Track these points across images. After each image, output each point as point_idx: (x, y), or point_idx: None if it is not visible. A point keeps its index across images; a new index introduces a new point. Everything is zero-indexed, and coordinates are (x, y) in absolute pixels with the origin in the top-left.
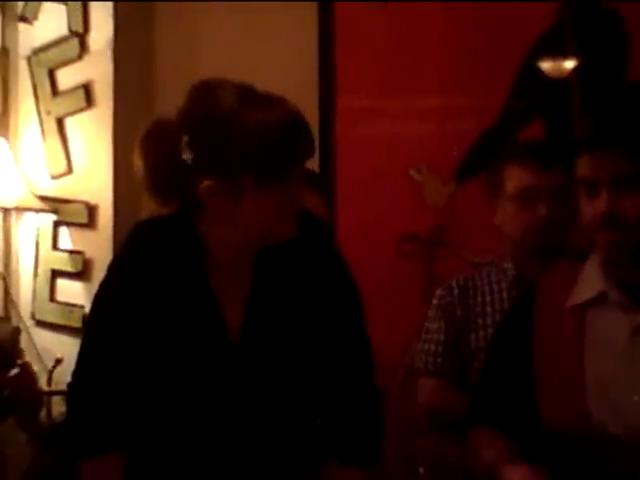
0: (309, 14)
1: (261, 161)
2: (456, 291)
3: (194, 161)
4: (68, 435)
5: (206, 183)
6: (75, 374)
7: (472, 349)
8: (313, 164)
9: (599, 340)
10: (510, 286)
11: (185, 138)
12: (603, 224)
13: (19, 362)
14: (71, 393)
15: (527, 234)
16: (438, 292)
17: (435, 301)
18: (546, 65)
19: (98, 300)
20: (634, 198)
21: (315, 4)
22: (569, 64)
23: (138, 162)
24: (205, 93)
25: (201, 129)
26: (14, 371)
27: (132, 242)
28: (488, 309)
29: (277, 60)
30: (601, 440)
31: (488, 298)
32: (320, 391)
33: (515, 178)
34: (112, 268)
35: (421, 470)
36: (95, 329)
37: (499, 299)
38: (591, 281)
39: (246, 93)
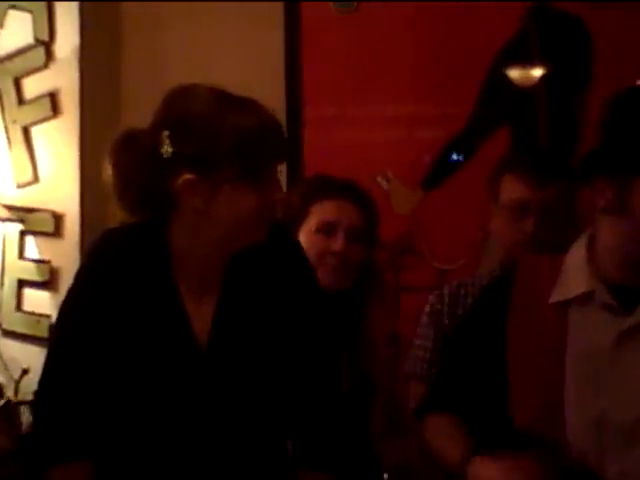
0: (275, 22)
1: (238, 158)
2: (446, 299)
3: (174, 154)
4: (35, 444)
5: (185, 177)
6: (41, 383)
7: None
8: (280, 173)
9: (582, 343)
10: None
11: (165, 132)
12: None
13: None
14: (38, 402)
15: (513, 247)
16: (430, 298)
17: (426, 308)
18: (511, 73)
19: (64, 308)
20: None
21: (281, 12)
22: (534, 71)
23: (108, 171)
24: (185, 92)
25: (182, 123)
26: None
27: (98, 250)
28: None
29: (244, 67)
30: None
31: None
32: (288, 399)
33: (509, 189)
34: (78, 276)
35: (385, 476)
36: (61, 338)
37: None
38: (576, 277)
39: (223, 94)
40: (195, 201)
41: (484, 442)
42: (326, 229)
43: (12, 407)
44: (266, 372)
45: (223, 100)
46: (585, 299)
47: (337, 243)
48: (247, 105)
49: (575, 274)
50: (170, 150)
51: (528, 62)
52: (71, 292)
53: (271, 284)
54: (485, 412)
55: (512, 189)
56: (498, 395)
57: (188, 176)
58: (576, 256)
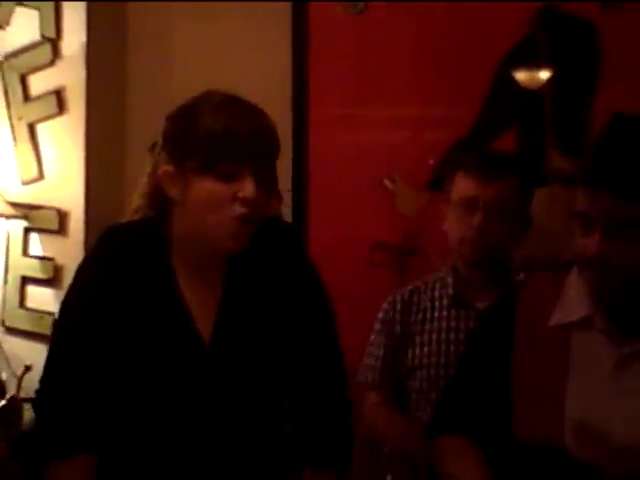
0: (283, 23)
1: (204, 152)
2: (398, 306)
3: (162, 148)
4: (36, 440)
5: (164, 168)
6: (43, 380)
7: (409, 366)
8: (286, 172)
9: (583, 366)
10: (450, 304)
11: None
12: (590, 264)
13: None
14: (39, 399)
15: (461, 244)
16: (383, 305)
17: (380, 315)
18: (519, 75)
19: (66, 305)
20: (626, 244)
21: (289, 13)
22: (542, 74)
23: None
24: (197, 95)
25: (171, 119)
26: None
27: (101, 246)
28: (427, 326)
29: (250, 68)
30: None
31: (428, 315)
32: (292, 396)
33: (458, 186)
34: (80, 272)
35: (388, 478)
36: (62, 334)
37: (438, 317)
38: (577, 301)
39: (216, 96)
40: (173, 191)
41: (491, 457)
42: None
43: (13, 407)
44: (268, 368)
45: (211, 100)
46: (585, 323)
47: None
48: (230, 106)
49: (575, 296)
50: (160, 144)
51: (536, 64)
52: (73, 288)
53: (273, 281)
54: (492, 429)
55: (460, 186)
56: (504, 412)
57: (166, 168)
58: (576, 276)
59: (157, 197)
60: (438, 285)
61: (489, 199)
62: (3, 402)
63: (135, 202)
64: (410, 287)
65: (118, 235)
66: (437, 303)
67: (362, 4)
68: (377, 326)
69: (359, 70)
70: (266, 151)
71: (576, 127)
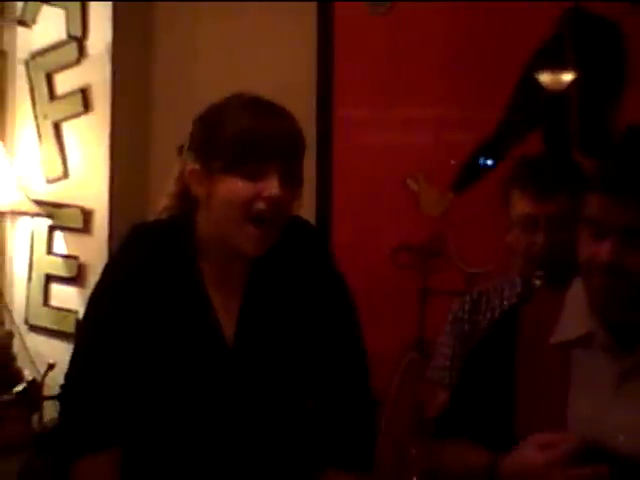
0: (308, 22)
1: (230, 152)
2: (467, 306)
3: (189, 148)
4: (60, 436)
5: (190, 166)
6: (68, 376)
7: None
8: (310, 172)
9: (584, 382)
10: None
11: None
12: (601, 270)
13: (25, 380)
14: (63, 395)
15: (527, 260)
16: (453, 306)
17: (450, 316)
18: (545, 77)
19: (92, 302)
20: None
21: (314, 12)
22: (568, 77)
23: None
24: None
25: (196, 121)
26: (19, 387)
27: (129, 244)
28: None
29: (275, 67)
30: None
31: (497, 313)
32: (316, 395)
33: (517, 204)
34: (107, 270)
35: None
36: (88, 331)
37: None
38: (576, 318)
39: (244, 98)
40: (199, 190)
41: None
42: None
43: (33, 391)
44: (290, 367)
45: (238, 101)
46: (586, 340)
47: None
48: (256, 107)
49: (575, 313)
50: (187, 143)
51: (562, 66)
52: (100, 284)
53: (296, 281)
54: (494, 437)
55: (519, 205)
56: (506, 421)
57: (193, 166)
58: (575, 292)
59: (184, 197)
60: (507, 285)
61: (549, 216)
62: (23, 385)
63: (162, 202)
64: (478, 289)
65: (146, 233)
66: (506, 302)
67: (388, 3)
68: (446, 326)
69: (384, 70)
70: (291, 150)
71: (601, 129)
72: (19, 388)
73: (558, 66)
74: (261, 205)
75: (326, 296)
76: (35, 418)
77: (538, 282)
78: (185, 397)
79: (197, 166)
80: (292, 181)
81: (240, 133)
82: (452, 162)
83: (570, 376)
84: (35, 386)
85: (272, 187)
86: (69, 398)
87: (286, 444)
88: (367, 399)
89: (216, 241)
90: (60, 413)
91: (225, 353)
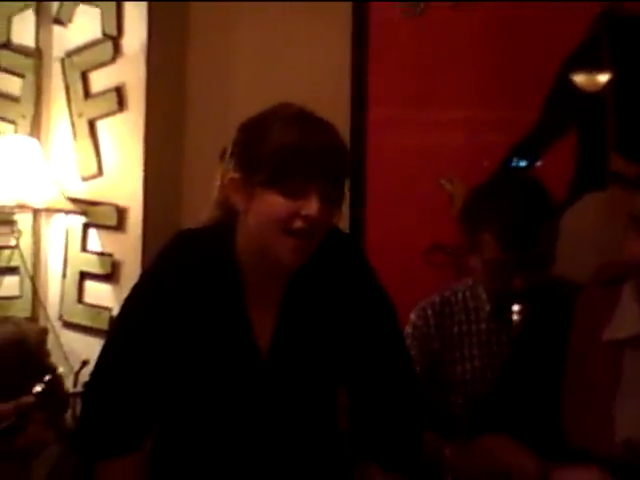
0: (343, 25)
1: (272, 165)
2: (432, 320)
3: (231, 155)
4: (81, 435)
5: (231, 175)
6: (93, 375)
7: (456, 380)
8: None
9: (634, 382)
10: (488, 319)
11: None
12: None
13: (50, 371)
14: (87, 393)
15: (500, 295)
16: (413, 318)
17: (409, 329)
18: (580, 79)
19: (127, 304)
20: None
21: (349, 13)
22: (604, 78)
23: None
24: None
25: (244, 129)
26: (46, 377)
27: (173, 250)
28: (466, 340)
29: (310, 68)
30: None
31: (465, 328)
32: (361, 401)
33: (487, 248)
34: (148, 274)
35: None
36: (120, 333)
37: (477, 330)
38: (628, 317)
39: (290, 110)
40: (238, 199)
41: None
42: None
43: (54, 390)
44: (325, 380)
45: (284, 113)
46: (638, 340)
47: None
48: (303, 122)
49: (627, 312)
50: (229, 151)
51: (598, 67)
52: (137, 289)
53: (333, 291)
54: (538, 433)
55: (490, 250)
56: (551, 416)
57: (233, 175)
58: (630, 292)
59: (226, 206)
60: (469, 296)
61: (521, 260)
62: (42, 385)
63: (207, 209)
64: (439, 298)
65: (190, 241)
66: (473, 315)
67: (421, 5)
68: (410, 341)
69: (418, 70)
70: (335, 169)
71: (638, 130)
72: (38, 389)
73: (594, 67)
74: (299, 223)
75: (365, 305)
76: (69, 414)
77: (516, 318)
78: (215, 406)
79: (237, 175)
80: (333, 199)
81: (284, 148)
82: (485, 163)
83: (620, 375)
84: (58, 383)
85: (312, 207)
86: (92, 396)
87: (316, 457)
88: (417, 400)
89: (255, 251)
90: (82, 409)
91: (258, 365)
